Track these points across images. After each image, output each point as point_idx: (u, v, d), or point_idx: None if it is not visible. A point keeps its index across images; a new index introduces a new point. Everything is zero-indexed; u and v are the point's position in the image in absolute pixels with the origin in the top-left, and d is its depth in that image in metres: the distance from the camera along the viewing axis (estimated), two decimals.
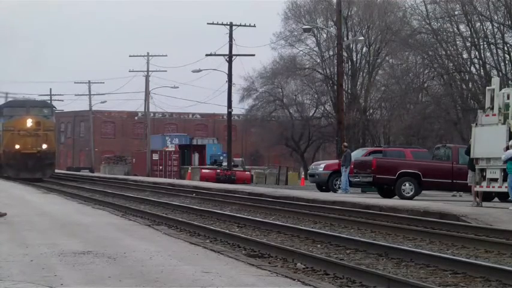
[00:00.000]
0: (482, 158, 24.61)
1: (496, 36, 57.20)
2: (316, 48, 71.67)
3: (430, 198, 30.70)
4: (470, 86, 59.45)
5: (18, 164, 47.13)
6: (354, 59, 70.30)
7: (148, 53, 77.50)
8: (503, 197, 26.60)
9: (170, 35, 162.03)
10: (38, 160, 47.50)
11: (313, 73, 71.57)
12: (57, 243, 12.01)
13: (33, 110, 49.21)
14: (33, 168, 47.34)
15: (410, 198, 29.27)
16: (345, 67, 64.10)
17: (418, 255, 11.96)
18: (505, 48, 57.06)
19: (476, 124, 25.19)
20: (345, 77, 63.34)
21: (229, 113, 61.47)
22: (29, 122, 47.86)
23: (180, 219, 18.75)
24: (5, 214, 16.89)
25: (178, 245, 12.26)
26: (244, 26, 60.84)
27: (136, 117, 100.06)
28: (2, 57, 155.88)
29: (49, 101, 74.35)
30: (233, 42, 60.12)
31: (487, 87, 26.06)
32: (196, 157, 74.68)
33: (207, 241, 13.97)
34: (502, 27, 56.88)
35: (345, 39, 60.78)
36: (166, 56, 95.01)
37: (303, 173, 62.69)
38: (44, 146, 47.76)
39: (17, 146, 47.38)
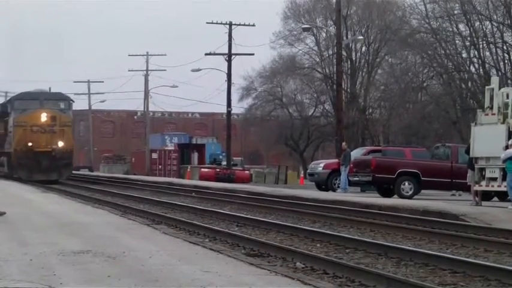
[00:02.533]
0: (482, 157, 24.62)
1: (495, 35, 57.24)
2: (315, 48, 71.72)
3: (430, 197, 30.71)
4: (469, 85, 59.48)
5: (31, 164, 42.03)
6: (353, 58, 70.31)
7: (147, 52, 77.66)
8: (502, 196, 26.60)
9: (169, 34, 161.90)
10: (53, 160, 42.36)
11: (313, 72, 71.59)
12: (56, 242, 12.01)
13: (47, 103, 43.60)
14: (48, 169, 42.26)
15: (410, 197, 29.29)
16: (344, 66, 64.08)
17: (418, 254, 11.96)
18: (504, 48, 57.09)
19: (475, 123, 25.19)
20: (344, 76, 63.32)
21: (229, 112, 61.46)
22: (43, 117, 42.63)
23: (179, 218, 18.75)
24: (5, 213, 16.88)
25: (177, 244, 12.27)
26: (244, 25, 60.85)
27: (135, 117, 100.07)
28: (2, 56, 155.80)
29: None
30: (232, 41, 60.12)
31: (486, 87, 26.06)
32: (195, 156, 74.66)
33: (207, 240, 13.97)
34: (501, 26, 56.91)
35: (344, 38, 60.77)
36: (165, 55, 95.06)
37: (302, 172, 62.69)
38: (60, 144, 42.57)
39: (30, 144, 42.15)
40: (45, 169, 42.15)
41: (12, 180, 42.50)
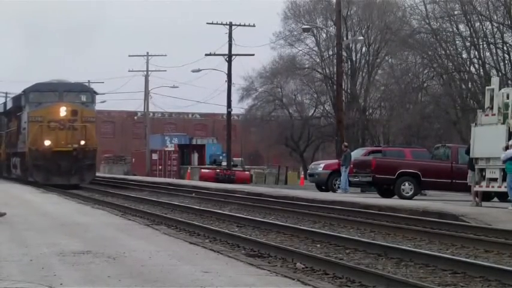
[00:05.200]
0: (482, 158, 24.62)
1: (496, 36, 57.24)
2: (315, 48, 71.72)
3: (430, 198, 30.70)
4: (469, 85, 59.48)
5: (48, 166, 36.59)
6: (354, 59, 70.31)
7: (147, 53, 77.71)
8: (502, 196, 26.60)
9: (170, 35, 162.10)
10: (74, 161, 36.87)
11: (313, 73, 71.58)
12: (56, 243, 12.01)
13: (68, 96, 38.02)
14: (68, 172, 36.84)
15: (410, 198, 29.29)
16: (345, 67, 64.10)
17: (418, 255, 11.97)
18: (505, 48, 57.10)
19: (475, 124, 25.20)
20: (345, 76, 63.33)
21: (229, 113, 61.50)
22: (63, 111, 37.04)
23: (179, 218, 18.76)
24: (5, 214, 16.85)
25: (177, 244, 12.27)
26: (244, 25, 60.92)
27: (135, 117, 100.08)
28: (1, 56, 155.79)
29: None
30: (232, 42, 60.19)
31: (487, 87, 26.07)
32: (195, 157, 74.74)
33: (207, 241, 13.97)
34: (501, 26, 56.91)
35: (345, 38, 60.78)
36: (165, 55, 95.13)
37: (302, 173, 62.72)
38: (82, 143, 37.06)
39: (47, 143, 36.68)
40: (65, 172, 36.88)
41: (27, 184, 37.63)
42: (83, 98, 38.87)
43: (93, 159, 38.14)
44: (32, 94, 38.58)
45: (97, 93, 40.37)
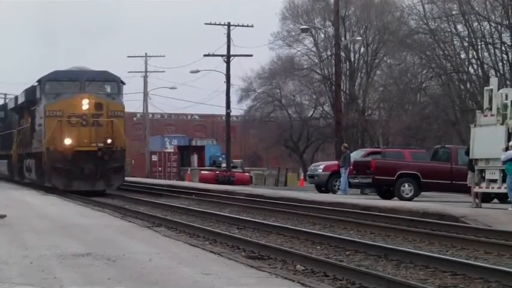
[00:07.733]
0: (481, 159, 24.61)
1: (494, 36, 57.31)
2: (314, 49, 71.75)
3: (430, 199, 30.69)
4: (468, 86, 59.54)
5: (69, 168, 31.47)
6: (352, 59, 70.34)
7: (146, 54, 77.61)
8: (502, 198, 26.58)
9: (168, 36, 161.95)
10: (99, 162, 31.62)
11: (311, 73, 71.59)
12: (56, 245, 12.01)
13: (91, 86, 32.67)
14: (92, 176, 31.61)
15: (410, 199, 29.28)
16: (343, 67, 64.07)
17: (418, 256, 11.97)
18: (503, 48, 57.13)
19: (474, 125, 25.20)
20: (343, 77, 63.31)
21: (228, 114, 61.45)
22: (85, 104, 31.73)
23: (179, 220, 18.76)
24: (5, 216, 16.85)
25: (177, 246, 12.26)
26: (242, 26, 60.87)
27: (134, 118, 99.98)
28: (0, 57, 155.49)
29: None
30: (231, 42, 60.16)
31: (485, 88, 26.08)
32: (195, 158, 74.73)
33: (207, 243, 13.98)
34: (499, 27, 56.97)
35: (343, 39, 60.81)
36: (164, 56, 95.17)
37: (302, 174, 62.68)
38: (109, 141, 31.79)
39: (68, 141, 31.46)
40: (88, 176, 31.71)
41: (45, 190, 32.34)
42: (109, 89, 33.38)
43: (122, 160, 32.87)
44: (48, 84, 33.06)
45: (124, 83, 34.85)
